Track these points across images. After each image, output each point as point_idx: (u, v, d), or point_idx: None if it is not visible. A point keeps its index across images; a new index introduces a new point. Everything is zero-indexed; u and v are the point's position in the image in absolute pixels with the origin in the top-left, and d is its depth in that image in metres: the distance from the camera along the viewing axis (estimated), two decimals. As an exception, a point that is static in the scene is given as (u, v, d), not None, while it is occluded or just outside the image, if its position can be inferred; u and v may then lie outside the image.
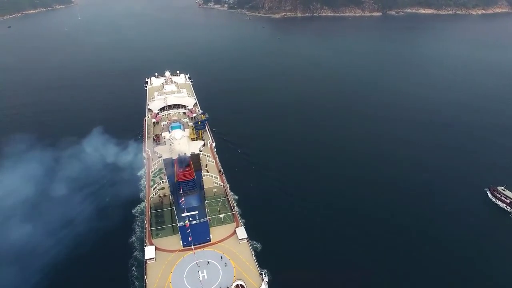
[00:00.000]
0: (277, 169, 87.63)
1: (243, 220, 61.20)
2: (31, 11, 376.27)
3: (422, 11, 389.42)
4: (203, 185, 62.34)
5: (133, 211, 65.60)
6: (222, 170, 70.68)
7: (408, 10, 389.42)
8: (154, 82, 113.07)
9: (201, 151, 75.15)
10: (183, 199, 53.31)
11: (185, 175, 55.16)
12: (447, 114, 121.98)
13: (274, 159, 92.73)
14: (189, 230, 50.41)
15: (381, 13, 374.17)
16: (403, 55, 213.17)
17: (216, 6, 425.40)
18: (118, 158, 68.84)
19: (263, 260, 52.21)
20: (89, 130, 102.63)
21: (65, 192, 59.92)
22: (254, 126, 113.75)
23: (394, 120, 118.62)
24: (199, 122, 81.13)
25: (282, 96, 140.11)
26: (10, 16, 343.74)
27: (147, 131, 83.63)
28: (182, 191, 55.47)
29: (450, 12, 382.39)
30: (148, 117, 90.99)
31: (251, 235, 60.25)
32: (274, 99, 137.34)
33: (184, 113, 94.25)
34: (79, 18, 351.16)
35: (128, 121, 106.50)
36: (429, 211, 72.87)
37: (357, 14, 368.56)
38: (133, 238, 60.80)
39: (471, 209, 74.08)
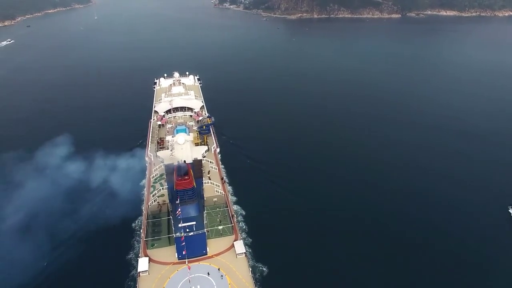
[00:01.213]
0: (287, 179, 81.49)
1: (243, 233, 58.52)
2: (51, 11, 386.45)
3: (443, 13, 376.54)
4: (203, 194, 59.89)
5: (133, 225, 62.72)
6: (224, 178, 68.12)
7: (429, 12, 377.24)
8: (163, 83, 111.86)
9: (204, 156, 72.74)
10: (179, 210, 50.90)
11: (183, 183, 52.83)
12: (472, 122, 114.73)
13: (286, 169, 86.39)
14: (183, 244, 48.00)
15: (400, 15, 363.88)
16: (424, 59, 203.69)
17: (231, 6, 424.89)
18: (121, 165, 66.68)
19: (261, 278, 49.30)
20: (93, 133, 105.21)
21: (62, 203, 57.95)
22: (264, 131, 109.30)
23: (414, 127, 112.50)
24: (204, 127, 78.87)
25: (297, 101, 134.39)
26: (31, 15, 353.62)
27: (152, 134, 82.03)
28: (180, 200, 53.10)
29: (474, 14, 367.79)
30: (153, 119, 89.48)
31: (252, 251, 57.61)
32: (288, 104, 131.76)
33: (191, 116, 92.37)
34: (96, 17, 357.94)
35: (136, 123, 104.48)
36: (449, 227, 67.76)
37: (375, 16, 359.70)
38: (130, 249, 58.31)
39: (493, 227, 68.37)
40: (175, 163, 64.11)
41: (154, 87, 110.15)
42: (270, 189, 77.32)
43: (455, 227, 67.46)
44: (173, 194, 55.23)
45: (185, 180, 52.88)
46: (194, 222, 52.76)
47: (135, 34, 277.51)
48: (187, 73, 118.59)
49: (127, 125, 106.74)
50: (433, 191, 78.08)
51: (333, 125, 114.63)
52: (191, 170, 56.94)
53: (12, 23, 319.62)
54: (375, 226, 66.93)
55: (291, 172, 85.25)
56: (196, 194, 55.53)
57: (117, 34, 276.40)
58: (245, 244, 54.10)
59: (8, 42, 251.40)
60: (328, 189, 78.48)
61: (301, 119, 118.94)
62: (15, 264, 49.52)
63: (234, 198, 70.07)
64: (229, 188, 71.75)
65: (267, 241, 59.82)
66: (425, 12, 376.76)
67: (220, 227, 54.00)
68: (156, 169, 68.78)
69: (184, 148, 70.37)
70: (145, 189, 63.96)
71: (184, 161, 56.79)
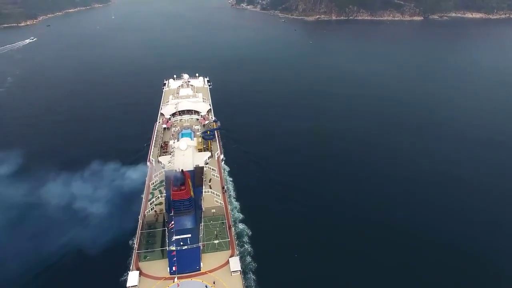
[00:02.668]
0: (304, 194, 75.10)
1: (241, 248, 55.45)
2: (71, 10, 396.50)
3: (469, 15, 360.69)
4: (201, 204, 57.45)
5: (130, 243, 57.14)
6: (226, 187, 65.30)
7: (453, 14, 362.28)
8: (172, 84, 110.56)
9: (207, 163, 70.34)
10: (172, 223, 48.53)
11: (179, 194, 50.46)
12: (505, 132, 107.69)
13: (303, 182, 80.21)
14: (175, 259, 45.60)
15: (422, 18, 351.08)
16: (449, 64, 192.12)
17: (248, 6, 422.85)
18: (123, 174, 64.73)
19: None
20: (98, 134, 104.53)
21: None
22: (277, 137, 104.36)
23: (438, 137, 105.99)
24: (208, 132, 76.59)
25: (314, 107, 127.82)
26: (52, 15, 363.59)
27: (156, 138, 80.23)
28: (174, 211, 50.80)
29: (503, 16, 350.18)
30: (159, 122, 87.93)
31: (251, 269, 54.43)
32: (304, 110, 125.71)
33: (197, 119, 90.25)
34: (113, 17, 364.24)
35: (143, 125, 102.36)
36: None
37: (396, 18, 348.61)
38: (122, 260, 55.32)
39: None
40: (177, 169, 62.36)
41: (163, 88, 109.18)
42: (282, 207, 70.97)
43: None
44: (170, 203, 53.10)
45: (181, 191, 50.45)
46: (189, 235, 50.41)
47: (149, 34, 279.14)
48: (197, 74, 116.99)
49: (134, 127, 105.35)
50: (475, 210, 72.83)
51: (353, 134, 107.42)
52: (189, 180, 54.64)
53: (34, 22, 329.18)
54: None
55: (309, 186, 78.70)
56: (193, 205, 53.04)
57: (132, 34, 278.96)
58: (242, 262, 51.26)
59: (31, 40, 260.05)
60: (356, 211, 70.76)
61: (318, 126, 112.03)
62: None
63: (241, 216, 65.60)
64: (236, 203, 68.65)
65: (270, 267, 55.83)
66: (449, 14, 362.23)
67: (217, 241, 51.24)
68: (157, 175, 66.80)
69: (185, 154, 68.45)
70: (143, 195, 61.73)
71: (182, 171, 54.16)
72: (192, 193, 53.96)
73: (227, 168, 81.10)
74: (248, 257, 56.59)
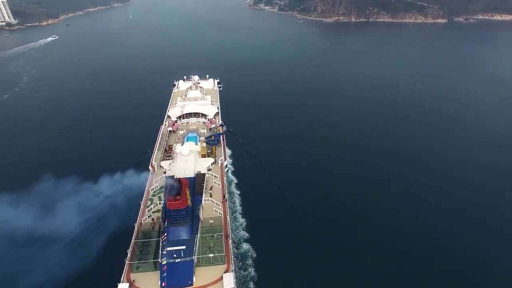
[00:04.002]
0: (314, 209, 70.80)
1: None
2: (92, 9, 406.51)
3: (498, 17, 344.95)
4: (198, 214, 55.15)
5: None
6: (227, 195, 62.68)
7: (480, 17, 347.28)
8: (181, 85, 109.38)
9: (209, 169, 68.03)
10: (165, 235, 46.45)
11: (175, 204, 48.37)
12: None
13: (313, 195, 75.89)
14: (165, 274, 43.47)
15: (446, 20, 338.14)
16: (476, 71, 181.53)
17: (266, 7, 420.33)
18: (124, 179, 63.33)
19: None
20: (105, 139, 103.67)
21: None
22: (289, 143, 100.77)
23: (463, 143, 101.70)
24: (213, 137, 74.20)
25: (329, 114, 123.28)
26: (73, 14, 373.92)
27: (160, 141, 78.71)
28: (170, 221, 48.78)
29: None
30: (165, 124, 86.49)
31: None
32: (316, 118, 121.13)
33: (204, 122, 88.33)
34: (131, 17, 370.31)
35: (151, 127, 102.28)
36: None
37: (418, 21, 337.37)
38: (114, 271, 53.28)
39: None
40: (178, 175, 60.41)
41: (173, 90, 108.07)
42: (294, 225, 66.25)
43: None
44: (166, 212, 51.12)
45: (176, 201, 48.32)
46: (184, 247, 48.26)
47: (165, 34, 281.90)
48: (207, 76, 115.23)
49: (143, 128, 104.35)
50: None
51: (374, 141, 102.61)
52: (187, 188, 52.46)
53: (55, 21, 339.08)
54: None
55: (326, 202, 73.66)
56: (189, 215, 50.91)
57: (147, 33, 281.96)
58: (237, 277, 48.65)
59: (53, 38, 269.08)
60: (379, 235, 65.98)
61: (335, 134, 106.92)
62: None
63: (246, 234, 62.03)
64: (241, 220, 65.88)
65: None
66: (475, 17, 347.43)
67: (211, 255, 48.76)
68: (157, 180, 65.04)
69: (187, 160, 66.51)
70: (142, 201, 60.03)
71: (179, 179, 51.97)
72: (189, 202, 51.82)
73: (235, 180, 78.58)
74: (251, 284, 53.67)
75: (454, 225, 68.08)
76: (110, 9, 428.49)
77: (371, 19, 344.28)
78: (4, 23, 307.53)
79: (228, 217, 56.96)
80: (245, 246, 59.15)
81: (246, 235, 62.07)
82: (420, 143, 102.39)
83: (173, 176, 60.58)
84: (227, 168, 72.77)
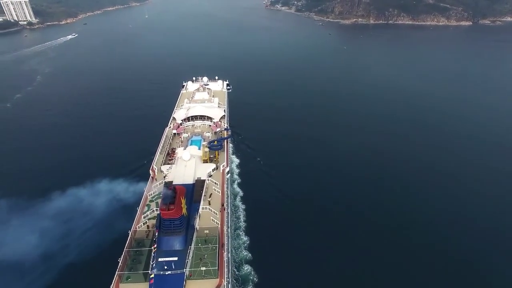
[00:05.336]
0: (325, 227, 66.23)
1: (232, 278, 50.08)
2: (110, 8, 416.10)
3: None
4: (194, 223, 52.87)
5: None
6: (225, 204, 60.09)
7: (509, 19, 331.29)
8: (190, 87, 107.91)
9: (210, 176, 65.74)
10: (155, 246, 44.41)
11: (168, 214, 46.27)
12: None
13: (322, 207, 71.83)
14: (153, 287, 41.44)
15: (471, 23, 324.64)
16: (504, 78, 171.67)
17: (283, 8, 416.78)
18: (123, 183, 61.98)
19: None
20: (110, 140, 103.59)
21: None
22: (300, 150, 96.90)
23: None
24: (216, 142, 71.99)
25: (343, 123, 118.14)
26: (92, 13, 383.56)
27: (163, 144, 77.04)
28: (163, 230, 46.74)
29: None
30: (169, 127, 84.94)
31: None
32: (332, 123, 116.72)
33: (210, 125, 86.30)
34: (146, 16, 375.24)
35: (158, 130, 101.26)
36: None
37: (440, 23, 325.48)
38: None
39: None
40: (177, 182, 58.54)
41: (181, 91, 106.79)
42: (301, 246, 61.12)
43: None
44: (160, 220, 49.15)
45: (169, 210, 46.21)
46: (176, 258, 46.04)
47: (179, 34, 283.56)
48: (216, 77, 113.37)
49: (149, 130, 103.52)
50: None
51: (393, 150, 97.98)
52: (182, 197, 50.26)
53: (74, 20, 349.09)
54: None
55: (338, 220, 68.81)
56: (184, 224, 48.70)
57: (162, 33, 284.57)
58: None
59: (73, 36, 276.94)
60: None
61: (347, 143, 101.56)
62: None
63: (248, 255, 57.80)
64: (244, 239, 62.69)
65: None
66: (503, 19, 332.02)
67: (203, 268, 46.36)
68: (156, 185, 63.27)
69: (188, 165, 64.49)
70: (138, 207, 58.34)
71: (174, 188, 49.80)
72: (184, 211, 49.66)
73: (240, 193, 75.74)
74: None
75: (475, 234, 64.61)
76: (127, 8, 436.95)
77: (390, 21, 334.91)
78: (25, 22, 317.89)
79: (225, 227, 54.38)
80: (247, 268, 55.05)
81: (248, 255, 58.11)
82: (440, 150, 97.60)
83: (171, 182, 58.89)
84: (228, 175, 70.09)
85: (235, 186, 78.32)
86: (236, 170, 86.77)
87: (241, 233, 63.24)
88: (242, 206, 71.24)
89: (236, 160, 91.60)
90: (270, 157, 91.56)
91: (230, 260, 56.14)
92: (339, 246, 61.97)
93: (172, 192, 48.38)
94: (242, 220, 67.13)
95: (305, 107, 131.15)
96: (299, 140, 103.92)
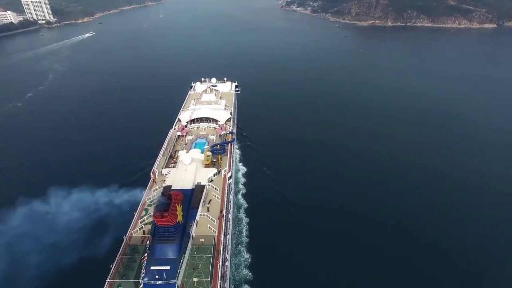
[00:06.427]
0: (335, 244, 61.88)
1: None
2: (126, 8, 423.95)
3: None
4: (190, 231, 51.03)
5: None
6: (224, 211, 57.98)
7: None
8: (198, 88, 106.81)
9: (211, 180, 63.89)
10: (145, 255, 42.81)
11: (161, 221, 44.62)
12: None
13: (335, 225, 66.82)
14: (140, 300, 39.79)
15: (495, 25, 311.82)
16: None
17: (298, 8, 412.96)
18: (124, 186, 60.66)
19: None
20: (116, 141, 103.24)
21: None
22: (312, 158, 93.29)
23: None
24: (218, 146, 70.08)
25: (357, 127, 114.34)
26: (108, 12, 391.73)
27: (166, 146, 75.76)
28: (156, 238, 45.16)
29: None
30: (174, 128, 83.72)
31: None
32: (344, 130, 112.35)
33: (215, 128, 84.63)
34: (161, 16, 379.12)
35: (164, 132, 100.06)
36: None
37: (462, 26, 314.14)
38: None
39: None
40: (176, 186, 57.02)
41: (189, 92, 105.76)
42: (308, 266, 57.20)
43: None
44: (154, 227, 47.60)
45: (163, 218, 44.52)
46: (168, 267, 44.35)
47: (192, 33, 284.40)
48: (225, 79, 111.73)
49: (153, 132, 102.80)
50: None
51: (412, 160, 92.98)
52: (178, 204, 48.53)
53: (90, 19, 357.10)
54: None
55: (349, 239, 64.00)
56: (179, 232, 46.95)
57: (174, 33, 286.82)
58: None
59: (91, 34, 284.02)
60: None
61: (360, 153, 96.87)
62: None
63: (249, 274, 54.55)
64: (246, 256, 59.87)
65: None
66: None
67: (196, 279, 44.44)
68: (156, 189, 61.94)
69: (188, 169, 62.71)
70: (136, 211, 57.01)
71: (169, 194, 48.12)
72: (180, 218, 47.95)
73: (245, 204, 72.72)
74: None
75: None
76: (143, 7, 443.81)
77: (409, 23, 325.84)
78: (44, 21, 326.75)
79: (222, 236, 52.34)
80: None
81: (249, 275, 55.00)
82: (465, 157, 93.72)
83: (169, 186, 57.45)
84: (230, 180, 68.02)
85: (240, 196, 75.63)
86: (242, 179, 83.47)
87: (242, 249, 60.18)
88: (245, 219, 68.23)
89: (242, 168, 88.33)
90: (279, 164, 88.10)
91: (228, 269, 54.18)
92: (355, 273, 56.93)
93: (167, 199, 46.64)
94: (244, 234, 64.05)
95: (316, 110, 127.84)
96: (311, 146, 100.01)
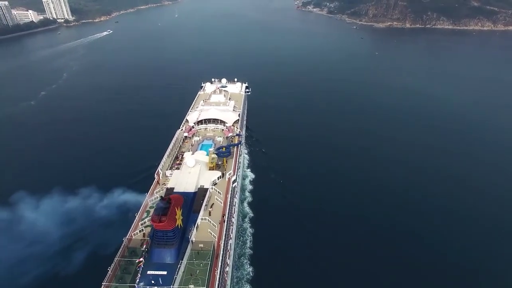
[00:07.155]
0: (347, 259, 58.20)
1: None
2: (143, 7, 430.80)
3: None
4: (189, 235, 49.83)
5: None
6: (226, 215, 56.52)
7: None
8: (207, 88, 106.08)
9: (215, 184, 62.64)
10: (141, 259, 41.83)
11: (159, 226, 43.60)
12: None
13: (348, 241, 62.48)
14: (133, 307, 38.78)
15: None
16: None
17: (315, 9, 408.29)
18: (128, 188, 60.23)
19: None
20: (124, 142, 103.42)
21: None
22: (321, 163, 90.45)
23: None
24: (224, 148, 68.78)
25: (368, 138, 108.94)
26: (125, 11, 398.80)
27: (172, 147, 75.06)
28: (154, 242, 44.25)
29: None
30: (181, 129, 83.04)
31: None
32: (358, 134, 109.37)
33: (222, 130, 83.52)
34: (176, 15, 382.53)
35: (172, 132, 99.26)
36: None
37: (484, 28, 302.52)
38: None
39: None
40: (178, 189, 56.18)
41: (198, 92, 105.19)
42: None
43: None
44: (153, 231, 46.67)
45: (161, 222, 43.47)
46: (165, 272, 43.29)
47: (207, 33, 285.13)
48: (236, 79, 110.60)
49: (162, 132, 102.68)
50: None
51: (430, 169, 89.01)
52: (178, 208, 47.42)
53: (107, 18, 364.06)
54: None
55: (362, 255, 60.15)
56: (178, 236, 45.90)
57: (189, 32, 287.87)
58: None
59: (108, 32, 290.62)
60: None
61: (374, 161, 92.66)
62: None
63: None
64: (248, 269, 57.95)
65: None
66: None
67: (192, 286, 43.13)
68: (159, 190, 61.21)
69: (192, 172, 61.70)
70: (137, 213, 56.31)
71: (168, 197, 47.06)
72: (179, 222, 46.86)
73: (250, 213, 70.24)
74: None
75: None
76: (160, 7, 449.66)
77: (428, 25, 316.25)
78: (63, 20, 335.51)
79: (222, 242, 50.92)
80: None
81: None
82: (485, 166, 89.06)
83: (172, 189, 56.62)
84: (235, 184, 66.57)
85: (245, 204, 73.73)
86: (249, 187, 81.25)
87: (245, 261, 57.98)
88: (250, 230, 65.98)
89: (250, 175, 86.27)
90: (291, 172, 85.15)
91: (229, 275, 52.77)
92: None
93: (166, 203, 45.56)
94: (248, 246, 61.72)
95: (331, 114, 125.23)
96: (326, 153, 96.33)
